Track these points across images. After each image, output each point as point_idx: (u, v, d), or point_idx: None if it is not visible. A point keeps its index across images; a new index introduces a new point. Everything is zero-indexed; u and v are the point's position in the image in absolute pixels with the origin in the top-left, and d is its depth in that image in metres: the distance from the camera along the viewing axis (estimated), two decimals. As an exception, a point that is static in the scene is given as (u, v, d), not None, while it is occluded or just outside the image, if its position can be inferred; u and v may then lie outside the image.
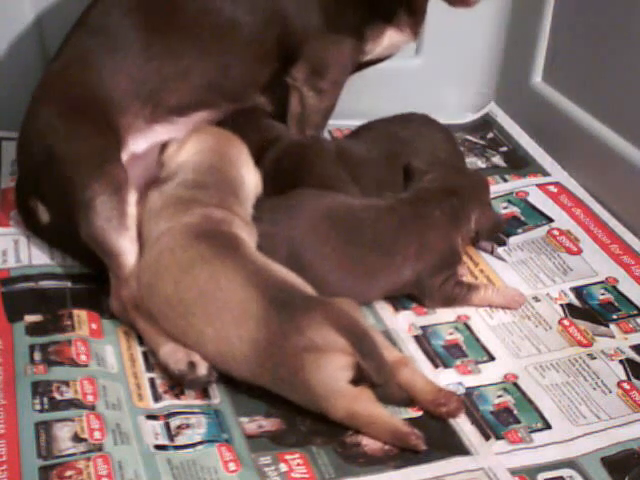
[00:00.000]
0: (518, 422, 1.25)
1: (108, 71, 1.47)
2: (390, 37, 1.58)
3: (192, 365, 1.26)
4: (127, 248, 1.36)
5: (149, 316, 1.32)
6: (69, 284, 1.45)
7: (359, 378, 1.21)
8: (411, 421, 1.22)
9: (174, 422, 1.22)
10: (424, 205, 1.46)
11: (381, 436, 1.20)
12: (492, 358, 1.37)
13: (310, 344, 1.19)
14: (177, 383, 1.28)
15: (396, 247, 1.41)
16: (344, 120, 1.79)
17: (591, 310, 1.47)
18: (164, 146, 1.42)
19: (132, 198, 1.39)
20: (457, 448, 1.20)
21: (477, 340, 1.40)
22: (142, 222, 1.37)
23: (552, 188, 1.77)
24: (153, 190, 1.38)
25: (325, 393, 1.19)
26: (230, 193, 1.38)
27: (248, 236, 1.34)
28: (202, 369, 1.26)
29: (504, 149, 1.90)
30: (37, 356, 1.30)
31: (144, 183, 1.44)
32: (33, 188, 1.49)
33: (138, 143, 1.50)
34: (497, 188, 1.74)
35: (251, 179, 1.42)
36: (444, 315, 1.45)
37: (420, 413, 1.24)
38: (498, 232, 1.58)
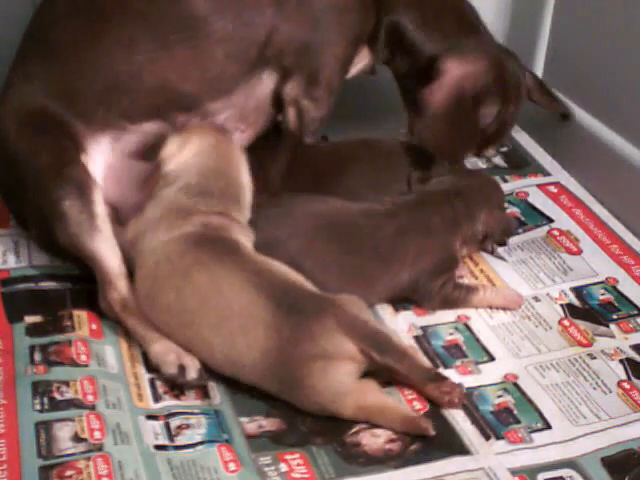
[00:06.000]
0: (518, 422, 1.25)
1: (55, 76, 1.42)
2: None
3: (182, 368, 1.26)
4: (103, 251, 1.35)
5: (138, 315, 1.32)
6: (69, 285, 1.45)
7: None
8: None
9: (174, 422, 1.22)
10: (423, 211, 1.46)
11: (391, 424, 1.20)
12: (492, 358, 1.37)
13: (321, 352, 1.19)
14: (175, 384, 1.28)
15: (394, 255, 1.41)
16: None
17: (591, 310, 1.46)
18: (161, 143, 1.37)
19: (98, 197, 1.37)
20: (457, 448, 1.20)
21: (477, 340, 1.40)
22: (139, 233, 1.34)
23: (552, 188, 1.76)
24: (151, 200, 1.35)
25: (332, 397, 1.20)
26: (233, 200, 1.36)
27: (247, 239, 1.33)
28: (192, 373, 1.26)
29: (504, 149, 1.89)
30: (37, 356, 1.30)
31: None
32: (13, 206, 1.50)
33: (94, 150, 1.43)
34: (497, 188, 1.74)
35: (249, 182, 1.40)
36: (444, 315, 1.44)
37: (421, 413, 1.24)
38: (509, 235, 1.56)
